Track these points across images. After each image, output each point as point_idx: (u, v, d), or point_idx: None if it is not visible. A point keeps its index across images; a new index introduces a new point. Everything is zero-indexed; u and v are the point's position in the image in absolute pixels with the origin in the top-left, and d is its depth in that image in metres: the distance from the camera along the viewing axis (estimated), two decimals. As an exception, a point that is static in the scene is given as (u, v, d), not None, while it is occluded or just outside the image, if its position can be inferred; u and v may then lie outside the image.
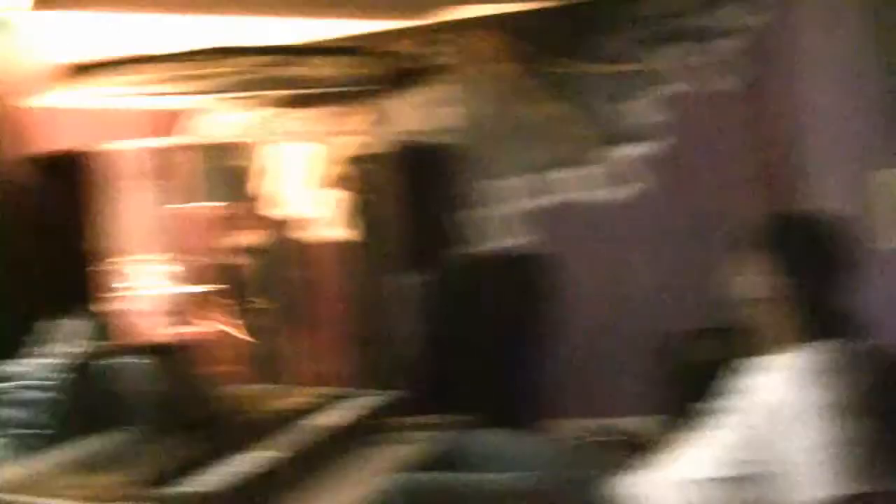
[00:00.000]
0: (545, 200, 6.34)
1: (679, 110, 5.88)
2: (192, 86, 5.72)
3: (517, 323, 5.54)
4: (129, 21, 6.08)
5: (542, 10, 6.26)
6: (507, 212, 6.42)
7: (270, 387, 4.47)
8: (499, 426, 3.67)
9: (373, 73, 5.68)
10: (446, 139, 6.52)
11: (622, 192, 5.99)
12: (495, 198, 6.42)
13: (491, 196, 6.44)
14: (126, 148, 5.43)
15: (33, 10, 5.55)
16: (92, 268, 5.19)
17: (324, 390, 3.88)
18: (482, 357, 5.28)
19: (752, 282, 2.56)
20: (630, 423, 5.27)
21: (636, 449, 2.94)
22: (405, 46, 6.64)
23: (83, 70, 5.03)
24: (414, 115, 6.59)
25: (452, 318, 5.54)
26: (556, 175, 6.32)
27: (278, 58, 5.21)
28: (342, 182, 6.64)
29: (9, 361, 4.47)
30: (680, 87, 5.89)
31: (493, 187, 6.44)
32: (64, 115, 6.15)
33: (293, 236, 5.79)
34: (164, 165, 7.10)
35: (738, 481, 2.34)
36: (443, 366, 5.30)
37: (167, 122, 7.33)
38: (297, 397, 3.74)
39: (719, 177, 5.78)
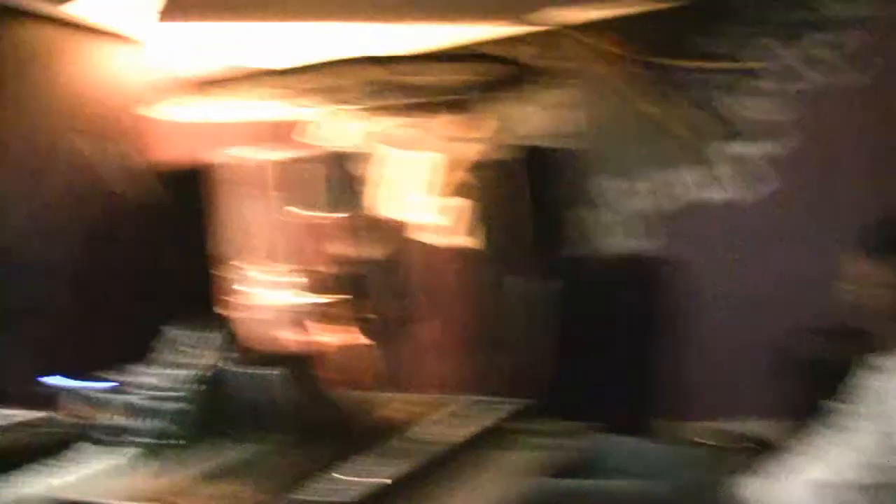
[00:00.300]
0: (667, 201, 6.20)
1: (803, 107, 5.73)
2: (314, 96, 5.79)
3: (640, 326, 5.48)
4: (251, 32, 6.21)
5: (660, 8, 6.17)
6: (628, 214, 6.32)
7: (396, 395, 4.48)
8: (625, 431, 3.64)
9: (491, 78, 5.67)
10: (566, 142, 6.40)
11: (745, 192, 5.87)
12: (616, 200, 6.30)
13: (612, 198, 6.32)
14: (249, 158, 5.51)
15: (160, 21, 5.74)
16: (217, 277, 5.26)
17: (449, 398, 3.89)
18: (606, 361, 5.24)
19: (879, 281, 2.50)
20: (757, 426, 5.17)
21: (763, 453, 2.89)
22: (523, 51, 6.55)
23: (208, 82, 5.11)
24: (533, 119, 6.47)
25: (576, 322, 5.50)
26: (677, 176, 6.19)
27: (398, 66, 5.23)
28: (462, 189, 6.64)
29: (137, 370, 4.60)
30: (804, 82, 5.76)
31: (614, 189, 6.31)
32: (189, 126, 6.30)
33: (413, 244, 5.79)
34: (285, 175, 7.20)
35: (875, 487, 2.28)
36: (567, 371, 5.27)
37: (288, 131, 7.45)
38: (424, 405, 3.76)
39: (844, 175, 5.62)
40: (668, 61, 6.16)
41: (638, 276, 5.81)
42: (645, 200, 6.22)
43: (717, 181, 6.01)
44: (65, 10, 5.43)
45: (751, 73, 5.92)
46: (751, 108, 5.89)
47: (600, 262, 5.93)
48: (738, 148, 5.94)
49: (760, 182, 5.80)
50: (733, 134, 5.94)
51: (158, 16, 5.57)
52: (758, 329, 5.57)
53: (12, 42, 5.32)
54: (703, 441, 4.92)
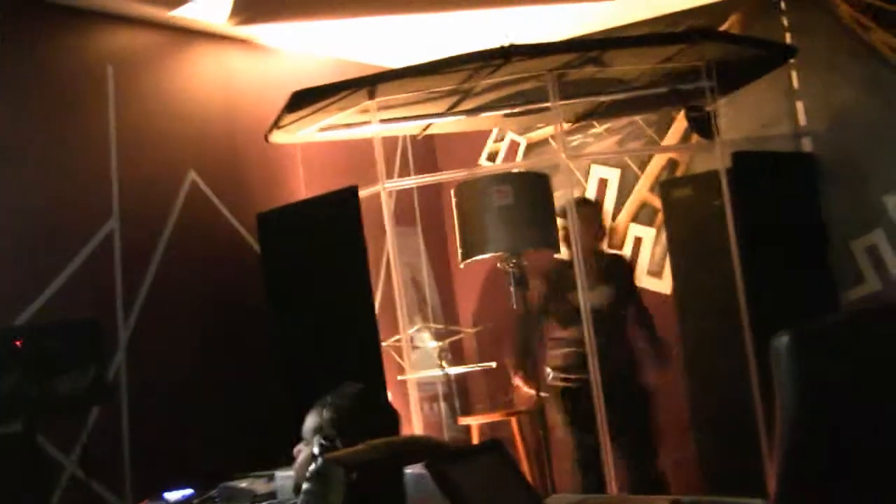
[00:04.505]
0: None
1: None
2: (469, 102, 5.60)
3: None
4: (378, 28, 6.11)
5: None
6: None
7: (600, 497, 4.20)
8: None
9: (693, 64, 5.35)
10: (797, 146, 6.12)
11: None
12: (879, 220, 5.83)
13: (872, 218, 5.85)
14: (396, 187, 5.37)
15: (230, 23, 5.70)
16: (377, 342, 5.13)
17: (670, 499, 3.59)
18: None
19: None
20: None
21: None
22: (732, 25, 6.30)
23: (339, 92, 4.96)
24: (750, 116, 6.23)
25: (838, 392, 5.09)
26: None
27: (574, 56, 4.94)
28: (661, 212, 6.33)
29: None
30: None
31: (872, 206, 5.86)
32: (327, 153, 6.29)
33: (606, 288, 5.49)
34: (438, 206, 7.03)
35: None
36: (832, 459, 4.85)
37: (439, 153, 7.32)
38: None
39: None
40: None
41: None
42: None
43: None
44: (179, 15, 5.47)
45: None
46: None
47: (868, 307, 5.48)
48: None
49: None
50: None
51: (227, 17, 5.57)
52: None
53: (123, 53, 5.41)
54: None
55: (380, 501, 2.70)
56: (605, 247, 5.84)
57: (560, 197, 5.29)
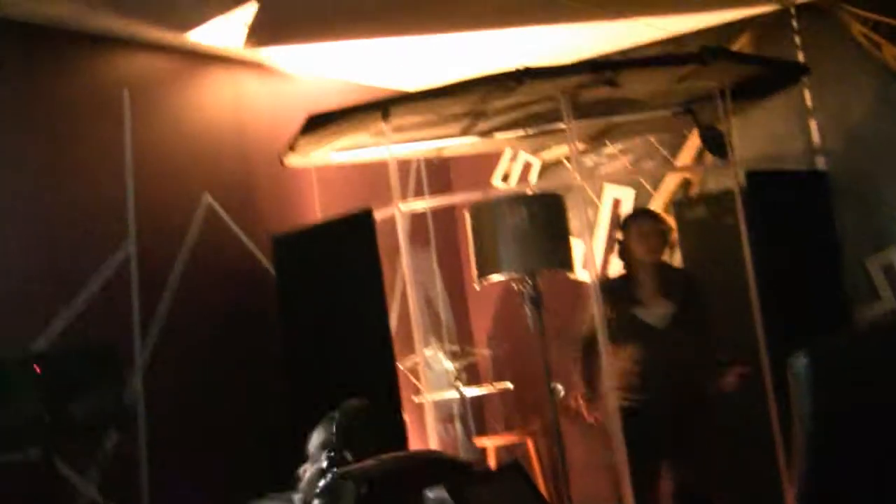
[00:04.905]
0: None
1: None
2: (482, 124, 5.63)
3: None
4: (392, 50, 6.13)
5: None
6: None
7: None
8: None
9: (706, 84, 5.36)
10: (811, 164, 6.12)
11: None
12: (894, 238, 5.82)
13: (887, 236, 5.84)
14: (409, 210, 5.37)
15: (246, 47, 5.74)
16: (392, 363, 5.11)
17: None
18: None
19: None
20: None
21: None
22: (744, 44, 6.31)
23: (353, 116, 4.97)
24: (763, 135, 6.20)
25: (856, 412, 5.09)
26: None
27: (587, 76, 4.95)
28: (675, 235, 6.28)
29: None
30: None
31: (887, 224, 5.85)
32: (340, 173, 6.31)
33: (665, 304, 5.44)
34: (452, 226, 7.03)
35: None
36: (851, 480, 4.86)
37: (452, 174, 7.32)
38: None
39: None
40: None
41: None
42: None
43: None
44: (193, 40, 5.50)
45: None
46: None
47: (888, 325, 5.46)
48: None
49: None
50: None
51: (244, 42, 5.59)
52: None
53: (139, 76, 5.44)
54: None
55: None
56: (670, 260, 5.62)
57: (574, 216, 5.28)
